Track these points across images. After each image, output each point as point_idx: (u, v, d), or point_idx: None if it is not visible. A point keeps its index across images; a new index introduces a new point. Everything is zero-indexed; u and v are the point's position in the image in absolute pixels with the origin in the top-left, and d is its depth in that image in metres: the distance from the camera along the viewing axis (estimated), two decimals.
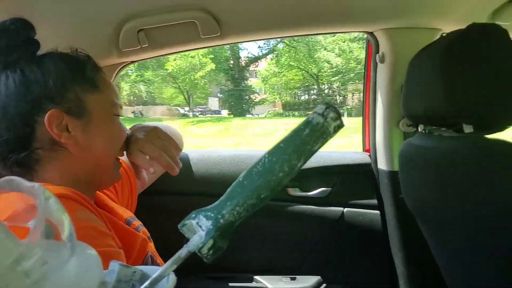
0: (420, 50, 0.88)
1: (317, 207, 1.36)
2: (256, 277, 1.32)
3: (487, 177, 0.66)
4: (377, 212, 1.35)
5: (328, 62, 20.04)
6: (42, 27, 1.00)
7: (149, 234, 0.86)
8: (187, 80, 19.57)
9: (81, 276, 0.26)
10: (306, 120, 0.45)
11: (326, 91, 22.57)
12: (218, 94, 23.83)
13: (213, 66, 19.25)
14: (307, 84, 22.59)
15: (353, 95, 23.33)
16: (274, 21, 1.18)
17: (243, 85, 21.95)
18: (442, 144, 0.79)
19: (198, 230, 0.41)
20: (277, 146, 0.44)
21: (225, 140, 12.59)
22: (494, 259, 0.74)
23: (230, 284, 1.30)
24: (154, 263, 0.78)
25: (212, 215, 0.41)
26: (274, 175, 0.42)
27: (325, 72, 20.69)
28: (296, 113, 20.96)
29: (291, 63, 20.65)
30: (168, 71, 19.19)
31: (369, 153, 1.41)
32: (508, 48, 0.69)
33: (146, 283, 0.39)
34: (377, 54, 1.27)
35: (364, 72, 1.42)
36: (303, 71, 21.00)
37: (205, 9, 1.06)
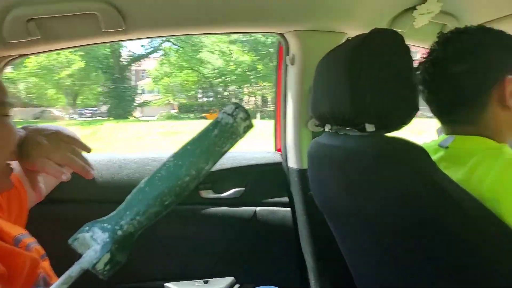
0: (327, 53, 0.91)
1: (230, 208, 1.35)
2: (167, 284, 1.27)
3: (385, 173, 0.71)
4: (288, 209, 1.38)
5: (209, 63, 20.44)
6: None
7: (43, 252, 0.76)
8: (50, 79, 17.94)
9: None
10: (215, 121, 0.43)
11: (222, 94, 23.19)
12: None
13: (82, 64, 17.71)
14: (204, 85, 22.89)
15: (249, 98, 23.88)
16: (184, 17, 1.14)
17: (125, 85, 21.04)
18: (347, 143, 0.83)
19: (93, 244, 0.36)
20: (184, 148, 0.41)
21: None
22: (394, 255, 0.79)
23: None
24: (47, 285, 0.68)
25: (109, 226, 0.37)
26: (179, 179, 0.39)
27: (209, 73, 21.17)
28: (192, 115, 20.90)
29: (181, 63, 20.54)
30: (27, 68, 17.14)
31: (280, 153, 1.44)
32: (404, 54, 0.74)
33: None
34: (287, 56, 1.30)
35: (275, 73, 1.44)
36: (197, 72, 21.13)
37: (107, 1, 0.98)
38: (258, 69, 20.81)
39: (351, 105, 0.74)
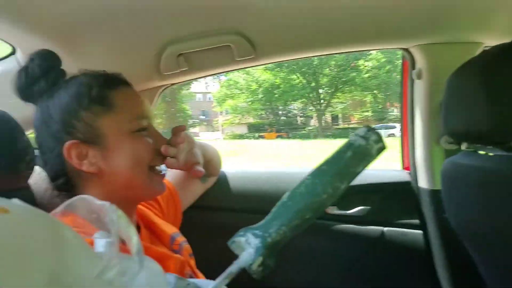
0: (461, 65, 0.86)
1: (356, 226, 1.34)
2: None
3: None
4: (420, 231, 1.31)
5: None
6: (88, 54, 1.08)
7: (191, 251, 0.88)
8: None
9: (151, 286, 0.29)
10: (348, 143, 0.46)
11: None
12: None
13: None
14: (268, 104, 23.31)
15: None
16: (308, 41, 1.20)
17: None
18: (488, 163, 0.77)
19: (247, 247, 0.43)
20: (319, 168, 0.46)
21: None
22: None
23: None
24: None
25: (260, 233, 0.43)
26: (317, 196, 0.43)
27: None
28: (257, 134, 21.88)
29: (245, 85, 21.81)
30: None
31: (408, 171, 1.39)
32: None
33: None
34: (413, 71, 1.26)
35: (401, 88, 1.41)
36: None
37: (239, 33, 1.10)
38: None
39: (492, 122, 0.70)
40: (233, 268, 0.42)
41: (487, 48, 1.05)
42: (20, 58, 1.05)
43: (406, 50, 1.26)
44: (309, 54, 1.31)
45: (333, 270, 1.36)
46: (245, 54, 1.18)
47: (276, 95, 21.71)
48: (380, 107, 22.86)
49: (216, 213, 1.37)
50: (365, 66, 20.20)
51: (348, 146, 0.46)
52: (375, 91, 21.74)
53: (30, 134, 0.95)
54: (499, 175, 0.72)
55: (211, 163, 1.15)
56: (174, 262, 0.76)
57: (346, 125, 24.40)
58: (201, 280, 0.44)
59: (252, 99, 22.44)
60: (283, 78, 21.27)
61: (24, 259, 0.23)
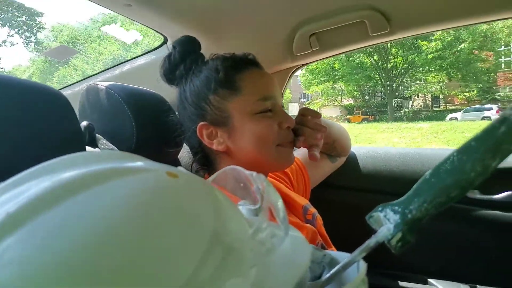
0: None
1: (503, 213, 1.20)
2: (431, 280, 1.25)
3: None
4: None
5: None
6: (228, 39, 1.17)
7: (322, 222, 0.91)
8: None
9: (295, 253, 0.32)
10: (502, 117, 0.42)
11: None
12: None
13: None
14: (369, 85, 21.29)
15: (418, 96, 21.24)
16: (443, 12, 1.09)
17: None
18: None
19: (386, 222, 0.43)
20: (467, 145, 0.43)
21: None
22: None
23: (401, 283, 1.26)
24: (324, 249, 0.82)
25: (400, 209, 0.42)
26: (465, 174, 0.41)
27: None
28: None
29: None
30: None
31: None
32: None
33: (339, 266, 0.42)
34: None
35: None
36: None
37: (374, 7, 1.06)
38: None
39: None
40: (371, 242, 0.43)
41: None
42: (170, 47, 1.20)
43: None
44: (443, 27, 1.19)
45: (472, 259, 1.25)
46: (380, 29, 1.13)
47: (349, 76, 20.43)
48: (487, 86, 20.05)
49: (344, 191, 1.37)
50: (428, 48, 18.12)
51: (501, 121, 0.41)
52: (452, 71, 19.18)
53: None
54: None
55: (338, 142, 1.14)
56: (306, 231, 0.79)
57: (445, 107, 22.16)
58: (337, 252, 0.46)
59: (332, 82, 21.56)
60: (351, 60, 19.90)
61: (190, 219, 0.28)
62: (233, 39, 1.18)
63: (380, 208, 0.44)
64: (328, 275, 0.41)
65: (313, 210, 0.91)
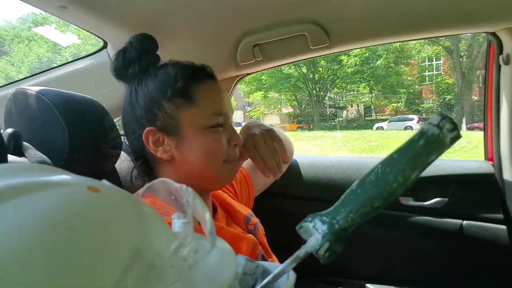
0: None
1: (432, 218, 1.28)
2: (368, 285, 1.30)
3: None
4: (503, 227, 1.21)
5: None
6: (171, 44, 1.15)
7: (264, 232, 0.92)
8: None
9: (220, 266, 0.31)
10: (420, 131, 0.45)
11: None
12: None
13: None
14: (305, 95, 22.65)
15: (351, 106, 22.86)
16: (384, 27, 1.16)
17: None
18: None
19: (315, 233, 0.44)
20: (390, 157, 0.45)
21: None
22: None
23: None
24: (264, 260, 0.82)
25: (328, 219, 0.44)
26: (387, 185, 0.43)
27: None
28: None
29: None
30: None
31: (492, 162, 1.29)
32: None
33: (269, 277, 0.43)
34: (501, 56, 1.16)
35: (486, 74, 1.30)
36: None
37: (314, 21, 1.10)
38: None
39: None
40: (300, 252, 0.44)
41: None
42: (110, 52, 1.16)
43: (493, 34, 1.17)
44: (386, 41, 1.27)
45: (406, 262, 1.32)
46: (320, 42, 1.17)
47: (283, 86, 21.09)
48: (411, 98, 22.31)
49: (286, 199, 1.40)
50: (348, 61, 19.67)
51: (420, 134, 0.44)
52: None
53: (117, 121, 1.05)
54: None
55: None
56: (247, 242, 0.79)
57: (375, 116, 23.79)
58: (269, 263, 0.47)
59: (264, 91, 22.03)
60: (278, 71, 20.57)
61: (110, 234, 0.26)
62: (177, 45, 1.17)
63: (309, 218, 0.45)
64: (258, 287, 0.42)
65: (255, 220, 0.91)
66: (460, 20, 1.11)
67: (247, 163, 1.09)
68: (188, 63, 0.81)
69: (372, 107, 24.03)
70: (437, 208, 1.29)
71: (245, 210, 0.92)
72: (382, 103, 22.82)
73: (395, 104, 22.19)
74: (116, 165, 0.98)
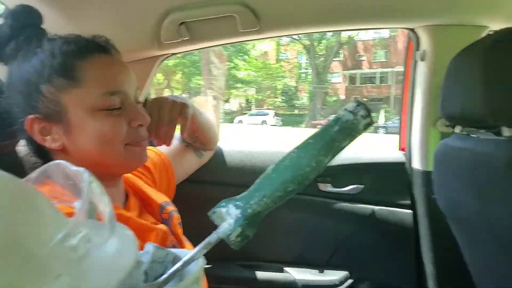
0: (463, 48, 0.85)
1: (348, 204, 1.36)
2: (286, 268, 1.35)
3: None
4: (409, 211, 1.33)
5: None
6: (88, 19, 1.06)
7: (180, 220, 0.89)
8: None
9: (119, 255, 0.29)
10: (336, 117, 0.46)
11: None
12: None
13: None
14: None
15: (234, 99, 24.60)
16: (313, 16, 1.18)
17: None
18: (478, 147, 0.77)
19: (227, 218, 0.43)
20: (306, 142, 0.46)
21: None
22: None
23: (258, 273, 1.33)
24: None
25: (241, 204, 0.43)
26: (301, 169, 0.44)
27: None
28: None
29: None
30: None
31: (404, 152, 1.39)
32: None
33: (178, 265, 0.41)
34: (418, 52, 1.24)
35: (404, 69, 1.39)
36: None
37: (244, 3, 1.08)
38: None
39: (485, 106, 0.69)
40: (212, 238, 0.43)
41: (491, 32, 1.03)
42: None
43: (412, 30, 1.25)
44: (313, 29, 1.29)
45: (322, 246, 1.38)
46: (250, 26, 1.15)
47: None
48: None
49: (212, 187, 1.37)
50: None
51: (335, 120, 0.45)
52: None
53: None
54: (487, 158, 0.73)
55: (201, 132, 1.10)
56: (155, 233, 0.73)
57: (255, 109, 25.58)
58: (181, 250, 0.45)
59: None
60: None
61: None
62: (92, 18, 1.07)
63: (223, 204, 0.44)
64: (165, 275, 0.40)
65: (170, 208, 0.86)
66: (384, 15, 1.17)
67: (167, 149, 1.04)
68: (72, 35, 0.70)
69: (253, 101, 25.34)
70: (353, 194, 1.37)
71: (161, 198, 0.87)
72: (260, 98, 24.01)
73: (274, 99, 23.55)
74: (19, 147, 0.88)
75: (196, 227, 0.93)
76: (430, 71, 1.20)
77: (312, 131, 0.46)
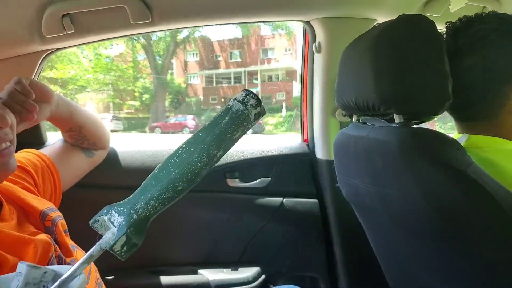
0: (353, 40, 0.89)
1: (256, 197, 1.36)
2: (200, 270, 1.31)
3: (409, 165, 0.69)
4: (315, 200, 1.37)
5: None
6: None
7: (66, 227, 0.79)
8: None
9: None
10: (225, 107, 0.43)
11: None
12: None
13: None
14: None
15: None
16: (208, 8, 1.15)
17: None
18: (373, 134, 0.81)
19: (111, 226, 0.38)
20: (195, 135, 0.42)
21: None
22: (421, 248, 0.77)
23: (171, 277, 1.27)
24: (63, 263, 0.70)
25: (125, 210, 0.38)
26: (191, 165, 0.40)
27: None
28: None
29: None
30: None
31: (307, 143, 1.44)
32: (433, 40, 0.71)
33: (55, 284, 0.36)
34: (314, 44, 1.28)
35: (302, 62, 1.43)
36: None
37: None
38: None
39: (376, 94, 0.73)
40: (94, 250, 0.37)
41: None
42: None
43: (307, 23, 1.28)
44: (208, 22, 1.25)
45: (234, 243, 1.37)
46: (141, 17, 1.08)
47: None
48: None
49: (106, 191, 1.27)
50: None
51: (225, 111, 0.43)
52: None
53: None
54: (381, 145, 0.76)
55: (87, 130, 1.02)
56: (34, 246, 0.65)
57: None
58: (61, 266, 0.39)
59: None
60: None
61: None
62: None
63: (105, 211, 0.39)
64: None
65: (54, 214, 0.77)
66: (277, 7, 1.18)
67: (50, 150, 0.95)
68: None
69: (111, 105, 25.41)
70: (261, 188, 1.37)
71: (43, 205, 0.77)
72: (117, 101, 24.30)
73: (132, 102, 23.96)
74: None
75: (91, 235, 0.84)
76: (326, 63, 1.25)
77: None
